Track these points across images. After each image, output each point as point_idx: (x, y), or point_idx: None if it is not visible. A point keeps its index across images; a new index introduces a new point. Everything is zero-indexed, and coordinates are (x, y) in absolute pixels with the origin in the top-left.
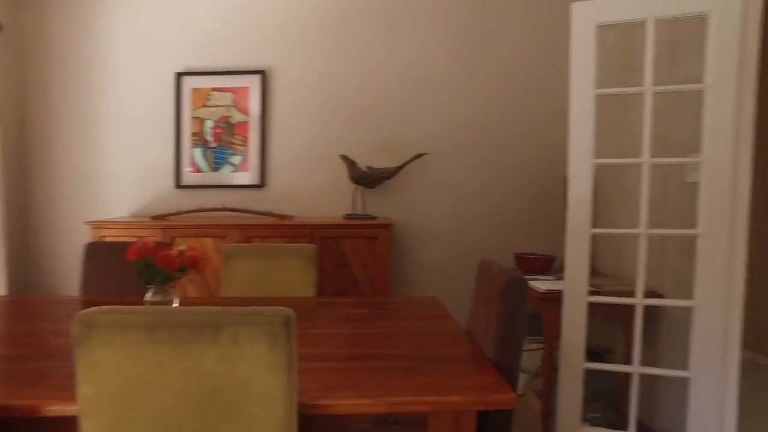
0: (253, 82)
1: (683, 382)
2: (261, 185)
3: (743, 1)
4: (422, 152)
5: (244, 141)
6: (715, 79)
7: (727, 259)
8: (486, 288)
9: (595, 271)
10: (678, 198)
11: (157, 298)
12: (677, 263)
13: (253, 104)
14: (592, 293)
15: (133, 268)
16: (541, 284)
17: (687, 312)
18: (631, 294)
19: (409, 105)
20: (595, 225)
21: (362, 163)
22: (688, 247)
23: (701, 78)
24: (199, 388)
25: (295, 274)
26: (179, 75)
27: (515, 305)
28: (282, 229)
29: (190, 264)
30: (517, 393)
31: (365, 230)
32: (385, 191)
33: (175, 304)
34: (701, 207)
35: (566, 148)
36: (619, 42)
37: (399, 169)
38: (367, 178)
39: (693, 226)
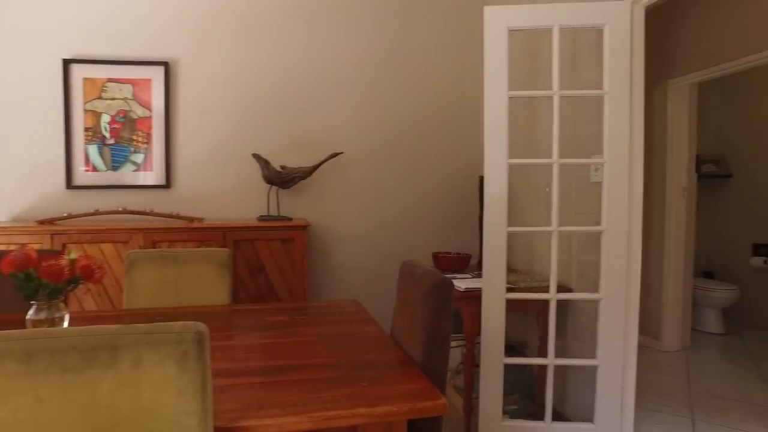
0: (156, 74)
1: (591, 369)
2: (167, 186)
3: (631, 16)
4: (338, 151)
5: (147, 138)
6: (611, 86)
7: (626, 253)
8: (410, 290)
9: (508, 268)
10: (583, 197)
11: (42, 316)
12: (580, 257)
13: (157, 98)
14: (509, 290)
15: (12, 282)
16: (460, 283)
17: (591, 303)
18: (544, 289)
19: (323, 103)
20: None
21: (276, 163)
22: (589, 242)
23: (600, 84)
24: (92, 423)
25: (207, 281)
26: (67, 62)
27: (441, 307)
28: (191, 233)
29: (84, 274)
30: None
31: (280, 232)
32: (300, 191)
33: (66, 323)
34: (604, 205)
35: (480, 148)
36: (525, 51)
37: (314, 168)
38: (281, 178)
39: (596, 223)
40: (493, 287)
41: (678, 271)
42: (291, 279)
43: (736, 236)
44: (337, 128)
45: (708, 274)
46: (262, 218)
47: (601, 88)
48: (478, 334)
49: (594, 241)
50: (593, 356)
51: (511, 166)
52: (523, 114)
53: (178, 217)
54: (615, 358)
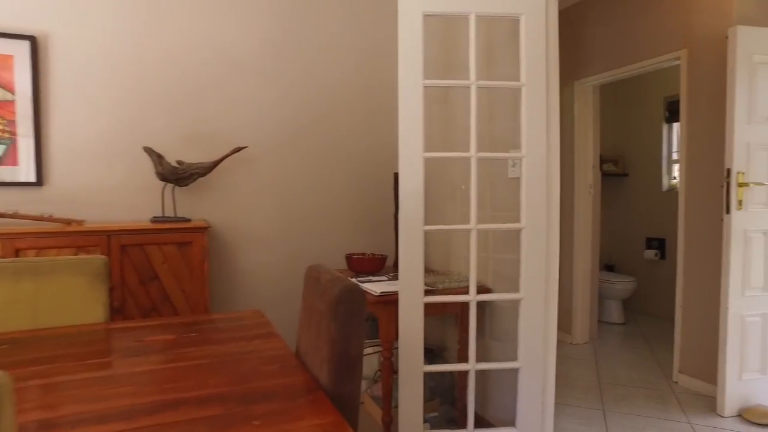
0: (19, 51)
1: (512, 370)
2: (38, 183)
3: (546, 7)
4: (242, 145)
5: (11, 125)
6: (528, 78)
7: (546, 251)
8: (315, 299)
9: (426, 269)
10: (500, 193)
11: None
12: (497, 255)
13: (21, 79)
14: (428, 293)
15: None
16: (375, 286)
17: (511, 302)
18: (463, 290)
19: (227, 93)
20: (425, 222)
21: (171, 157)
22: (505, 240)
23: (517, 78)
24: None
25: (76, 295)
26: None
27: (350, 321)
28: (67, 237)
29: None
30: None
31: (177, 235)
32: (200, 190)
33: None
34: (524, 202)
35: (397, 144)
36: (442, 47)
37: (216, 164)
38: (177, 175)
39: (514, 220)
40: (409, 291)
41: (586, 266)
42: (189, 287)
43: (632, 231)
44: (242, 120)
45: (609, 267)
46: (155, 220)
47: (518, 81)
48: (396, 339)
49: (510, 239)
50: (514, 356)
51: (427, 161)
52: (440, 111)
53: (51, 219)
54: (536, 359)
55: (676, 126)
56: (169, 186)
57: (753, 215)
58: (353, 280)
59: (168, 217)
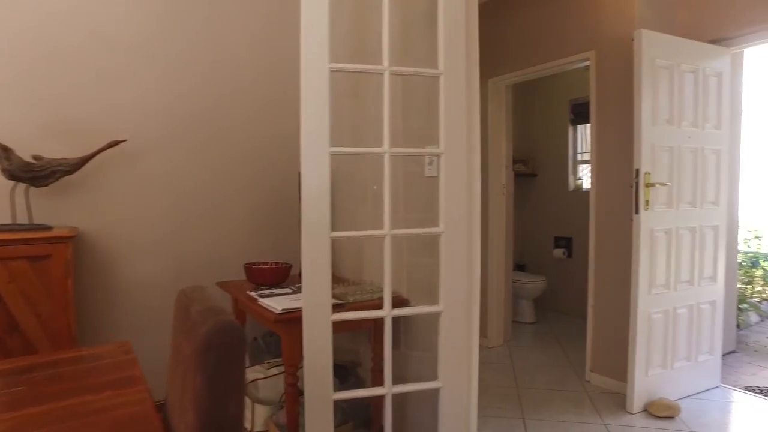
0: None
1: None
2: None
3: None
4: (120, 139)
5: None
6: (447, 66)
7: (467, 257)
8: (182, 338)
9: (335, 277)
10: (416, 195)
11: None
12: (414, 261)
13: None
14: (336, 308)
15: None
16: (277, 301)
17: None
18: (377, 303)
19: (100, 74)
20: (332, 226)
21: (25, 151)
22: (422, 245)
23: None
24: None
25: None
26: None
27: (224, 374)
28: None
29: None
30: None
31: (28, 247)
32: (64, 191)
33: None
34: (442, 203)
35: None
36: (352, 26)
37: (86, 160)
38: (32, 173)
39: (432, 223)
40: (314, 308)
41: (500, 267)
42: (47, 312)
43: (541, 230)
44: (120, 109)
45: (520, 267)
46: (1, 228)
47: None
48: (303, 362)
49: (429, 243)
50: (434, 367)
51: (335, 158)
52: (352, 106)
53: None
54: (458, 377)
55: (580, 128)
56: (22, 186)
57: (658, 215)
58: (252, 294)
59: (19, 225)
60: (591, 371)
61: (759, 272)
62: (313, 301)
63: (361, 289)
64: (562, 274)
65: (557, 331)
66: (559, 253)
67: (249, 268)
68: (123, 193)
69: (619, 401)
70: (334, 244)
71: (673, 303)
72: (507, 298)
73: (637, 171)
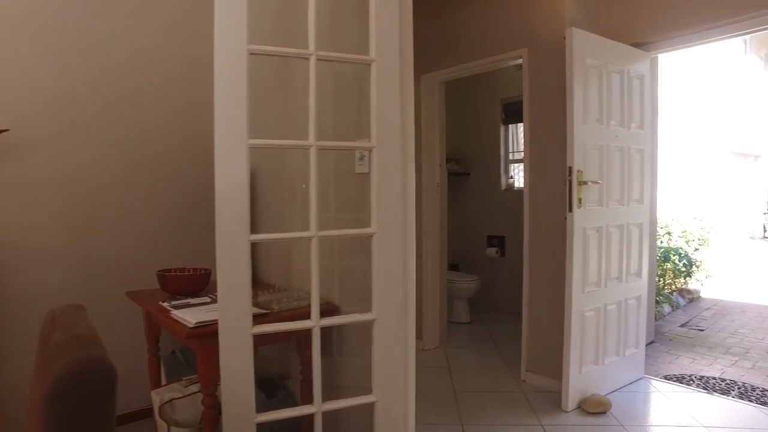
0: None
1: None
2: None
3: None
4: (1, 128)
5: None
6: (379, 53)
7: (402, 260)
8: (35, 380)
9: (260, 283)
10: (347, 193)
11: None
12: (347, 262)
13: None
14: (259, 318)
15: None
16: (191, 313)
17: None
18: (304, 311)
19: None
20: (256, 227)
21: None
22: (353, 247)
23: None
24: None
25: None
26: None
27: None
28: None
29: None
30: None
31: None
32: None
33: None
34: (374, 202)
35: None
36: (277, 11)
37: None
38: None
39: (364, 224)
40: (232, 320)
41: (434, 267)
42: None
43: (474, 229)
44: (2, 95)
45: (454, 267)
46: None
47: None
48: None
49: (362, 244)
50: (368, 378)
51: (259, 154)
52: (277, 99)
53: None
54: (394, 389)
55: (512, 127)
56: None
57: (590, 213)
58: (165, 305)
59: None
60: (527, 371)
61: (669, 266)
62: (231, 313)
63: (289, 296)
64: (496, 273)
65: (492, 331)
66: (492, 252)
67: (163, 276)
68: (9, 194)
69: (554, 400)
70: (260, 247)
71: (604, 300)
72: (442, 299)
73: (570, 169)
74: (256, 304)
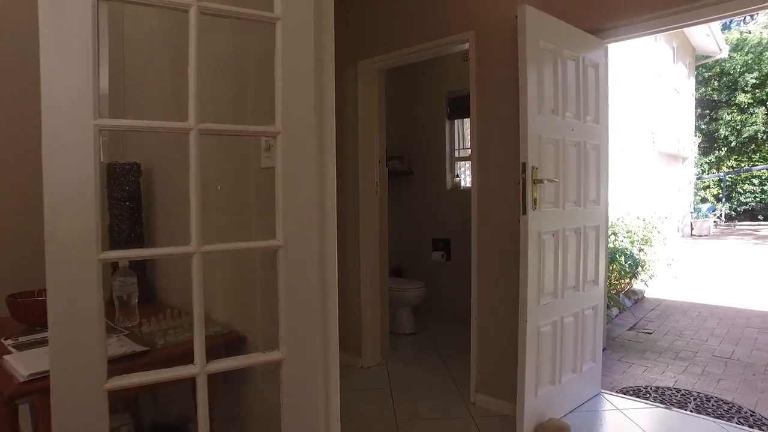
0: None
1: None
2: None
3: None
4: None
5: None
6: (287, 7)
7: (319, 282)
8: None
9: (157, 306)
10: (252, 193)
11: None
12: (259, 276)
13: None
14: (124, 361)
15: None
16: (34, 357)
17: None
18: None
19: None
20: (154, 239)
21: None
22: (269, 260)
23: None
24: None
25: None
26: None
27: None
28: None
29: None
30: None
31: None
32: None
33: None
34: (279, 203)
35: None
36: None
37: None
38: None
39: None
40: (72, 372)
41: (374, 274)
42: None
43: (419, 232)
44: None
45: (398, 272)
46: None
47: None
48: None
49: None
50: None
51: (151, 145)
52: (168, 76)
53: None
54: None
55: (458, 123)
56: None
57: (546, 215)
58: (8, 343)
59: None
60: (476, 392)
61: (616, 266)
62: (69, 362)
63: (184, 324)
64: (442, 279)
65: (439, 342)
66: (437, 256)
67: (13, 302)
68: None
69: (507, 426)
70: (158, 263)
71: (561, 312)
72: (383, 309)
73: (524, 165)
74: (138, 336)
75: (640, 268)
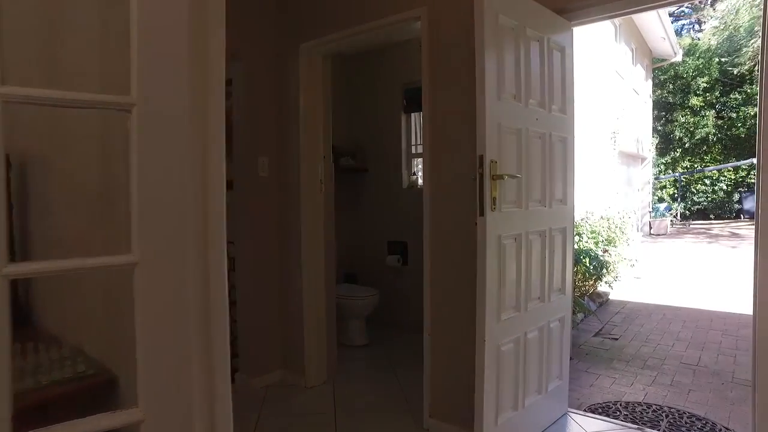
0: None
1: None
2: None
3: None
4: None
5: None
6: None
7: (197, 315)
8: None
9: (40, 336)
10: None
11: None
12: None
13: None
14: None
15: None
16: None
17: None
18: (74, 387)
19: None
20: (28, 251)
21: None
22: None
23: None
24: None
25: None
26: None
27: None
28: None
29: None
30: None
31: None
32: None
33: None
34: (134, 204)
35: None
36: None
37: None
38: None
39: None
40: None
41: (319, 282)
42: None
43: (374, 234)
44: None
45: (351, 278)
46: None
47: None
48: None
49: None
50: None
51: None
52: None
53: None
54: None
55: (415, 116)
56: None
57: (506, 217)
58: None
59: None
60: (430, 417)
61: (580, 268)
62: None
63: (61, 360)
64: (398, 285)
65: (393, 355)
66: (393, 260)
67: None
68: None
69: None
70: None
71: (525, 327)
72: (330, 320)
73: (481, 158)
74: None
75: (604, 270)
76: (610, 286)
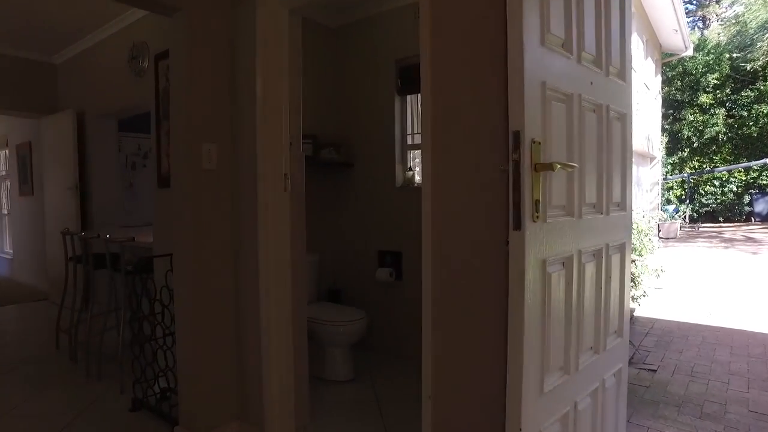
0: None
1: None
2: None
3: None
4: None
5: None
6: None
7: None
8: None
9: None
10: None
11: None
12: None
13: None
14: None
15: None
16: None
17: None
18: None
19: None
20: None
21: None
22: None
23: None
24: None
25: None
26: None
27: None
28: None
29: None
30: None
31: None
32: None
33: None
34: None
35: None
36: None
37: None
38: None
39: None
40: None
41: (283, 308)
42: None
43: (362, 243)
44: None
45: (334, 295)
46: None
47: None
48: None
49: None
50: None
51: None
52: None
53: None
54: None
55: (411, 99)
56: None
57: (553, 230)
58: None
59: None
60: None
61: None
62: None
63: None
64: (390, 303)
65: (383, 395)
66: (384, 274)
67: None
68: None
69: None
70: None
71: (575, 395)
72: (300, 356)
73: (517, 137)
74: None
75: (633, 284)
76: (637, 302)
